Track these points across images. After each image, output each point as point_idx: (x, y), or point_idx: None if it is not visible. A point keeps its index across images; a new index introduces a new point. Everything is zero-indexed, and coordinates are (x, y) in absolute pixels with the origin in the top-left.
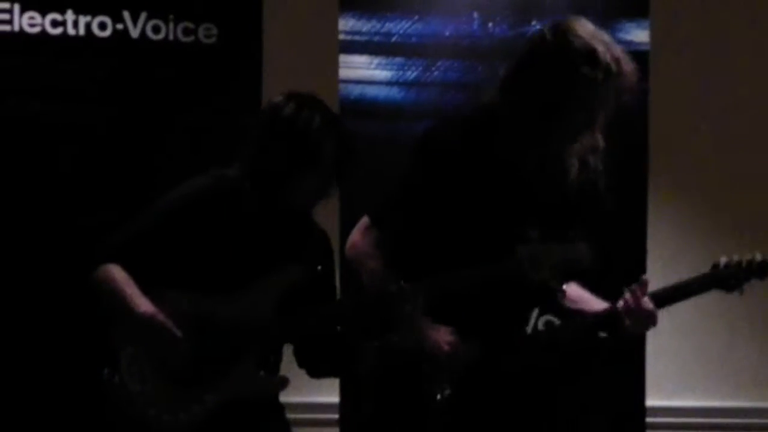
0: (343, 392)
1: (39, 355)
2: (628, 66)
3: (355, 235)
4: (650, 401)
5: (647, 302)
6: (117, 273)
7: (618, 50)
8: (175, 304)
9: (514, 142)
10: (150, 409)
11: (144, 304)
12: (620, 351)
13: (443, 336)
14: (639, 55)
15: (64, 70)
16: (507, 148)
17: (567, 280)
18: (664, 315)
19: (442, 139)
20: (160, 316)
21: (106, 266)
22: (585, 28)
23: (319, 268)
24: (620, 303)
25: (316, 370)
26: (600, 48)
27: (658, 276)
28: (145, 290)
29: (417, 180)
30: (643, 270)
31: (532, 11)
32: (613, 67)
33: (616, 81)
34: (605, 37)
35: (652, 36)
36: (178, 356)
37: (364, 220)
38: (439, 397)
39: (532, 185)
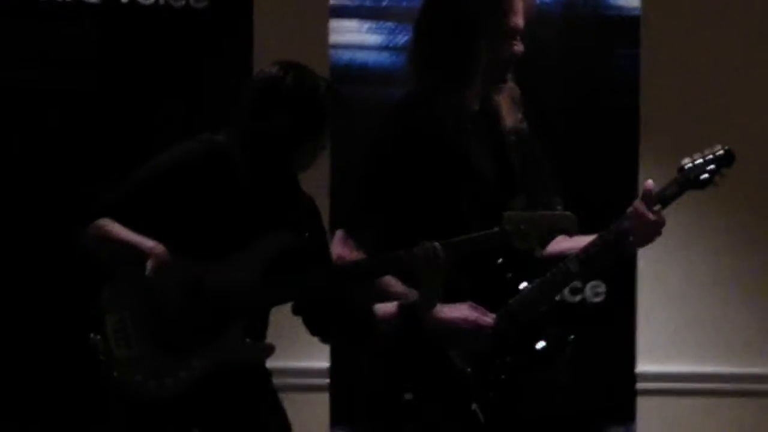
0: (334, 357)
1: (27, 322)
2: None
3: (336, 249)
4: (640, 367)
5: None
6: (112, 223)
7: None
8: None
9: (446, 106)
10: (136, 374)
11: (150, 240)
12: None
13: (462, 313)
14: (629, 21)
15: (54, 36)
16: (445, 112)
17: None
18: (654, 281)
19: (393, 136)
20: (165, 252)
21: (98, 221)
22: None
23: (307, 234)
24: (625, 223)
25: (329, 336)
26: None
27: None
28: None
29: (382, 178)
30: None
31: None
32: None
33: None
34: None
35: (643, 1)
36: (171, 311)
37: (340, 234)
38: (468, 370)
39: (489, 144)
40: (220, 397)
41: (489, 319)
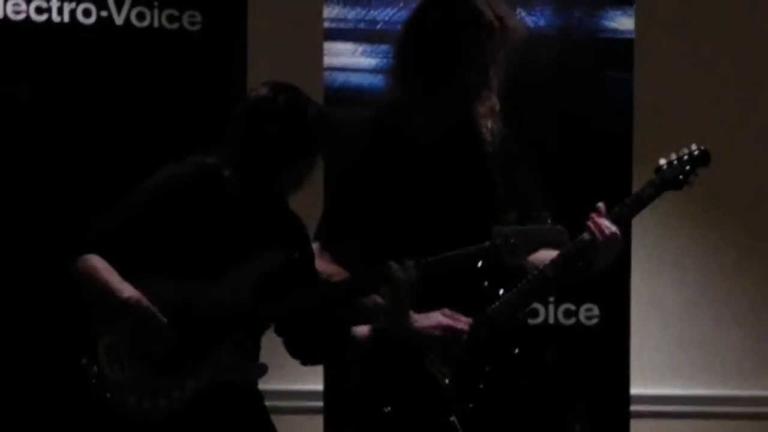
0: (327, 380)
1: (18, 346)
2: (512, 21)
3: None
4: (634, 389)
5: (609, 225)
6: (98, 262)
7: (501, 8)
8: (156, 290)
9: (422, 118)
10: (130, 396)
11: (127, 290)
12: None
13: (435, 321)
14: (624, 43)
15: (48, 57)
16: (420, 124)
17: None
18: (648, 304)
19: (367, 148)
20: (144, 301)
21: (86, 257)
22: None
23: (297, 254)
24: (585, 235)
25: (308, 357)
26: (482, 8)
27: (642, 263)
28: (126, 277)
29: (357, 190)
30: (628, 257)
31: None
32: (497, 24)
33: (501, 37)
34: None
35: (637, 24)
36: (161, 342)
37: (316, 246)
38: (447, 381)
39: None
40: (213, 418)
41: (463, 324)
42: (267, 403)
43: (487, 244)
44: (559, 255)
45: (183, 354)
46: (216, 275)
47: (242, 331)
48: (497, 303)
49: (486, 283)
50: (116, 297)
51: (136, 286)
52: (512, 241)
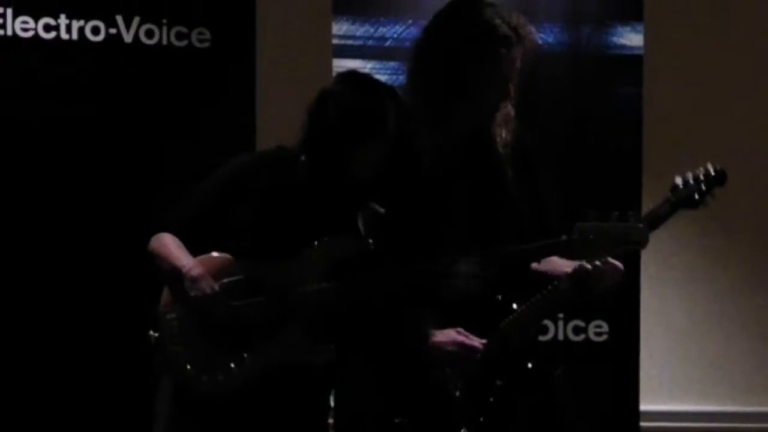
0: (337, 394)
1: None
2: (526, 30)
3: None
4: (644, 406)
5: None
6: (167, 239)
7: (514, 18)
8: (227, 269)
9: (436, 133)
10: (189, 367)
11: (193, 265)
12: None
13: (449, 337)
14: (633, 59)
15: (57, 75)
16: (433, 142)
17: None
18: (658, 320)
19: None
20: (208, 278)
21: (159, 235)
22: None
23: (371, 244)
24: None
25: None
26: (495, 21)
27: (652, 280)
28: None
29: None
30: (637, 274)
31: (526, 15)
32: (513, 36)
33: (517, 48)
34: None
35: (647, 40)
36: (221, 318)
37: None
38: (458, 394)
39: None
40: (275, 398)
41: (477, 342)
42: None
43: (564, 237)
44: (574, 271)
45: (246, 332)
46: (287, 258)
47: (309, 313)
48: (511, 317)
49: (499, 297)
50: (182, 272)
51: (205, 261)
52: (591, 237)
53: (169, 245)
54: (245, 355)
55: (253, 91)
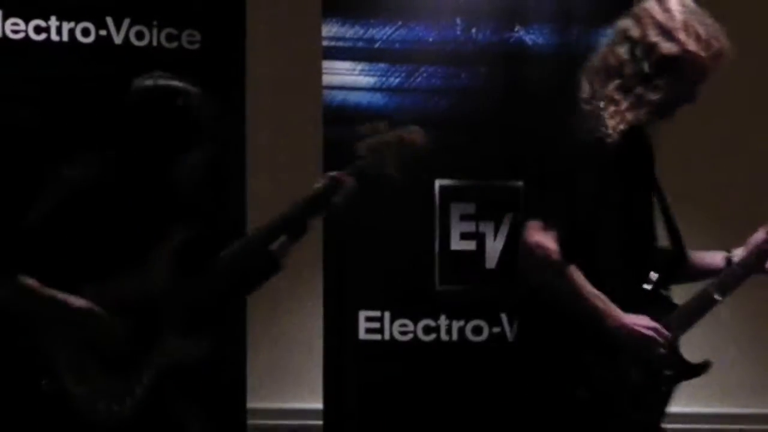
0: (327, 398)
1: None
2: (721, 42)
3: (535, 237)
4: None
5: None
6: (31, 282)
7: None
8: (89, 296)
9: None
10: (98, 403)
11: (75, 300)
12: None
13: (643, 320)
14: None
15: (47, 77)
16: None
17: None
18: None
19: (614, 146)
20: (94, 306)
21: (16, 278)
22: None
23: (203, 229)
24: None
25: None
26: (700, 29)
27: None
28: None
29: (595, 184)
30: None
31: (515, 17)
32: (715, 44)
33: (714, 59)
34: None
35: None
36: (117, 343)
37: (536, 224)
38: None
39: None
40: (173, 403)
41: (667, 331)
42: (267, 422)
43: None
44: (724, 274)
45: (132, 349)
46: (131, 267)
47: (176, 310)
48: (675, 312)
49: (665, 292)
50: (66, 308)
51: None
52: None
53: (37, 288)
54: (141, 373)
55: (243, 92)
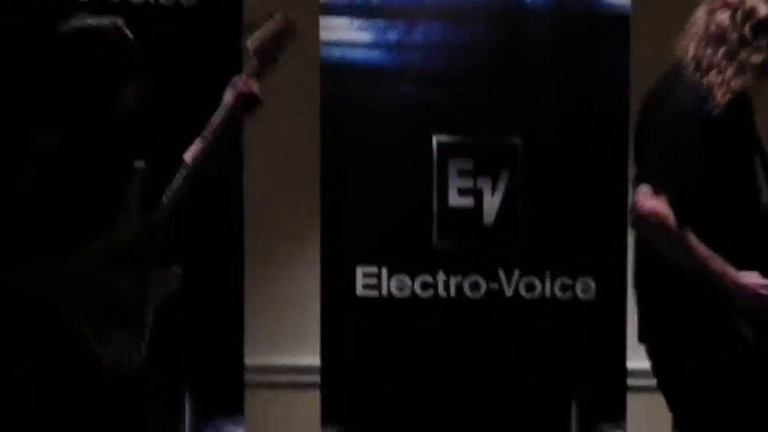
0: (325, 355)
1: None
2: None
3: (648, 203)
4: (631, 363)
5: None
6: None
7: None
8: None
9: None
10: (122, 356)
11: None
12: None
13: (755, 279)
14: (620, 19)
15: (47, 33)
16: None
17: None
18: None
19: (721, 116)
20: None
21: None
22: None
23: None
24: None
25: None
26: None
27: None
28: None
29: (700, 149)
30: (625, 232)
31: None
32: None
33: None
34: None
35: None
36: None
37: (646, 188)
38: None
39: None
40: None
41: None
42: (265, 379)
43: None
44: None
45: (130, 301)
46: (109, 217)
47: (151, 250)
48: None
49: None
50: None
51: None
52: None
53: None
54: (144, 318)
55: (240, 49)
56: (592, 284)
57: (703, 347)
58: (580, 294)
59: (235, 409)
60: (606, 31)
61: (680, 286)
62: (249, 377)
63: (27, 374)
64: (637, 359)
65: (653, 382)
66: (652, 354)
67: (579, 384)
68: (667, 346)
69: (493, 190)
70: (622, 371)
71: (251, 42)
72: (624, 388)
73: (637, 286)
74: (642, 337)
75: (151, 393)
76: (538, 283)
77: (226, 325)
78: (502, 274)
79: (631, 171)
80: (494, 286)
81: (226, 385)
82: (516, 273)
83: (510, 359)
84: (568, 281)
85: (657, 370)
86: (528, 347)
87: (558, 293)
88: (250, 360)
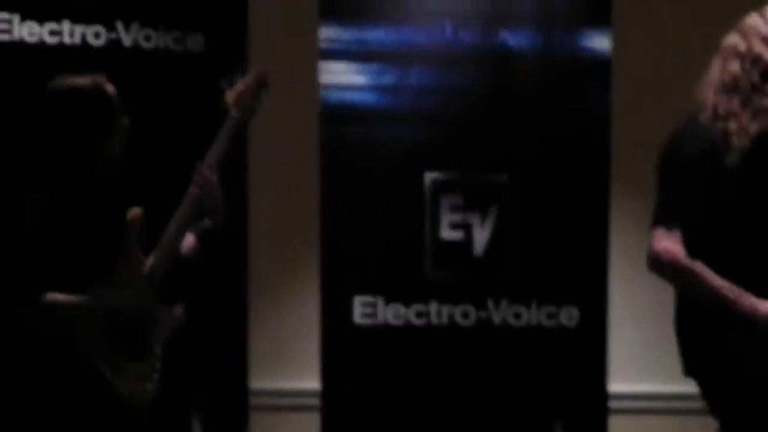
0: (325, 379)
1: None
2: None
3: (662, 244)
4: (613, 387)
5: None
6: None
7: None
8: (97, 295)
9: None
10: (135, 387)
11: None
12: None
13: None
14: (601, 63)
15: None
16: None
17: None
18: (626, 302)
19: (749, 157)
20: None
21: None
22: None
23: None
24: None
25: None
26: None
27: (621, 279)
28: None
29: (704, 181)
30: (606, 262)
31: (500, 20)
32: None
33: None
34: None
35: (615, 44)
36: (132, 333)
37: (660, 231)
38: None
39: None
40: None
41: None
42: (268, 402)
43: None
44: None
45: (143, 332)
46: (114, 262)
47: (156, 289)
48: None
49: None
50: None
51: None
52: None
53: (59, 299)
54: (154, 350)
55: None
56: (576, 312)
57: (739, 371)
58: (564, 321)
59: (240, 430)
60: (588, 74)
61: (708, 319)
62: (253, 400)
63: (53, 409)
64: (619, 383)
65: (634, 404)
66: (701, 387)
67: (563, 406)
68: (709, 378)
69: (483, 224)
70: (604, 394)
71: (229, 96)
72: (605, 411)
73: (675, 326)
74: (686, 373)
75: (160, 417)
76: (524, 312)
77: (231, 351)
78: (491, 303)
79: (614, 210)
80: (483, 314)
81: (232, 408)
82: (504, 302)
83: (498, 383)
84: (553, 309)
85: (706, 399)
86: (515, 372)
87: (543, 321)
88: (254, 384)
